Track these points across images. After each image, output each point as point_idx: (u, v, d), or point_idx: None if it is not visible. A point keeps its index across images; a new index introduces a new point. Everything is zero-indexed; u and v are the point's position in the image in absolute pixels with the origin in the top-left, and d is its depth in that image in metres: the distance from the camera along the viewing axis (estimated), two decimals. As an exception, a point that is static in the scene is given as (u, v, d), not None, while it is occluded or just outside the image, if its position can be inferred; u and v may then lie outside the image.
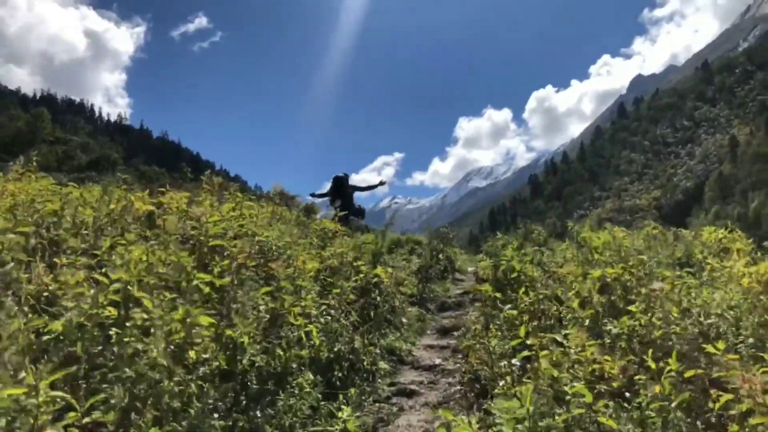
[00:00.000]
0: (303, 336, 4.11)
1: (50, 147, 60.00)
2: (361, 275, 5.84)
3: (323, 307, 4.85)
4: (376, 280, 5.91)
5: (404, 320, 6.37)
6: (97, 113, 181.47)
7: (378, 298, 5.75)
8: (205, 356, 3.41)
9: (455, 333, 6.39)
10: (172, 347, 3.31)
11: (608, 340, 4.38)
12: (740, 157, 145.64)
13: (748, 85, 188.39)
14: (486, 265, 6.76)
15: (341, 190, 13.02)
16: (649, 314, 4.21)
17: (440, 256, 8.98)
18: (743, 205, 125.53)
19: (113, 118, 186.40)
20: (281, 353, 3.75)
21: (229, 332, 3.70)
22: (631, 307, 4.29)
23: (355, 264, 6.02)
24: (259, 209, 7.07)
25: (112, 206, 6.01)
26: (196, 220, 5.50)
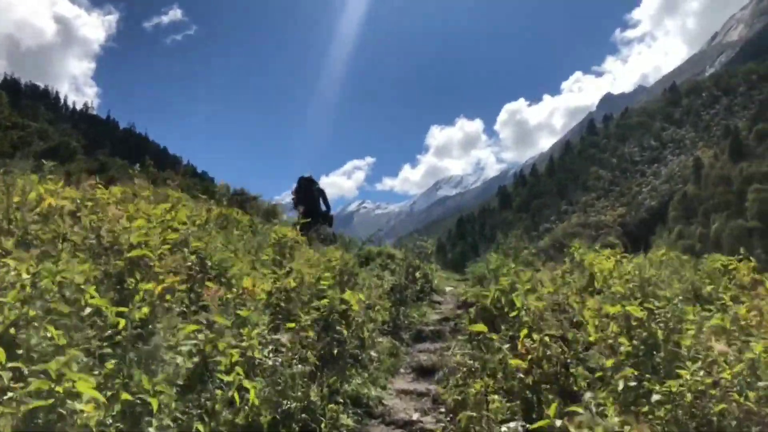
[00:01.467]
0: (236, 397, 2.94)
1: (5, 132, 57.16)
2: (325, 301, 4.69)
3: (272, 347, 3.68)
4: (343, 307, 4.77)
5: (373, 354, 5.24)
6: (62, 101, 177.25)
7: (345, 332, 4.61)
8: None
9: (435, 375, 5.28)
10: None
11: (645, 409, 3.34)
12: (704, 179, 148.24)
13: (713, 110, 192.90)
14: (476, 293, 5.69)
15: (306, 193, 11.84)
16: (705, 379, 3.17)
17: (417, 274, 7.88)
18: (705, 226, 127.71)
19: (79, 107, 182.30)
20: (200, 428, 2.57)
21: (125, 396, 2.52)
22: (683, 372, 3.23)
23: (318, 286, 4.87)
24: (205, 211, 5.86)
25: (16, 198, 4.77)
26: (113, 222, 4.27)
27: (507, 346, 4.24)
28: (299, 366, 3.95)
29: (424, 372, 5.36)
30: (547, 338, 4.05)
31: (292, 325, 4.09)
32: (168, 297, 3.70)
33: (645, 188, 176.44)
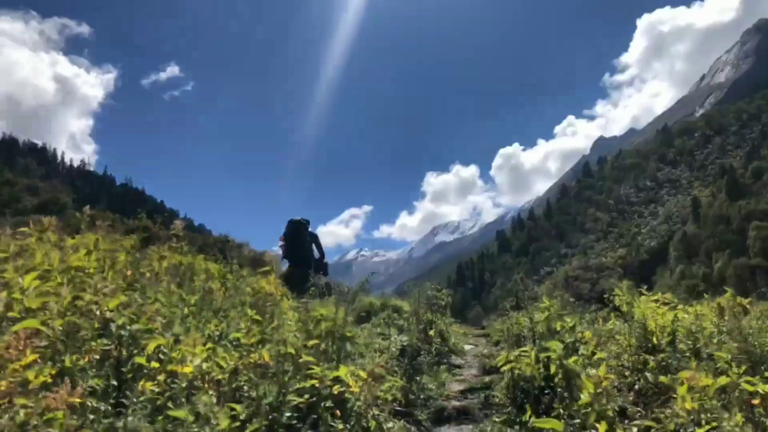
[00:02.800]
0: None
1: (-6, 188, 56.01)
2: (312, 382, 3.28)
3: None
4: (337, 389, 3.35)
5: (382, 452, 3.78)
6: (59, 158, 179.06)
7: (340, 427, 3.18)
8: None
9: (470, 479, 3.82)
10: None
11: None
12: (703, 219, 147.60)
13: (706, 149, 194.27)
14: (506, 358, 4.25)
15: (296, 239, 10.47)
16: None
17: (431, 331, 6.43)
18: (707, 266, 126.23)
19: (76, 164, 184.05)
20: None
21: None
22: None
23: (301, 359, 3.46)
24: (156, 260, 4.49)
25: None
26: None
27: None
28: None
29: (453, 474, 3.92)
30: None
31: (255, 427, 2.66)
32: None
33: (644, 229, 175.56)
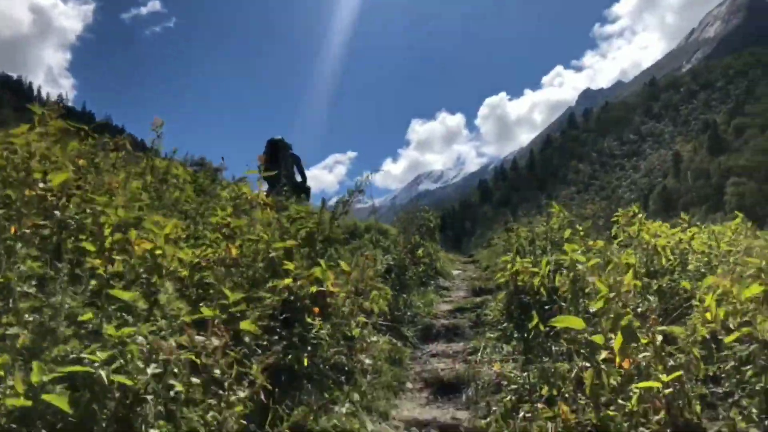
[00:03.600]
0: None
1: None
2: (287, 281, 2.85)
3: (188, 354, 1.85)
4: (315, 289, 2.93)
5: (367, 362, 3.40)
6: (35, 92, 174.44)
7: (319, 327, 2.77)
8: None
9: (462, 393, 3.46)
10: None
11: None
12: (683, 173, 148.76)
13: (691, 104, 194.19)
14: (512, 270, 3.83)
15: (277, 159, 9.90)
16: None
17: (419, 252, 6.01)
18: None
19: (53, 99, 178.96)
20: None
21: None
22: None
23: (275, 256, 3.02)
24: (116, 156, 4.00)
25: None
26: None
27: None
28: (238, 391, 2.12)
29: (444, 388, 3.53)
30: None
31: (224, 314, 2.24)
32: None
33: (624, 182, 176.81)
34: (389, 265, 5.19)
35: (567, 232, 4.25)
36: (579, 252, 3.29)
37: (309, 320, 2.73)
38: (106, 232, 2.43)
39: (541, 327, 2.99)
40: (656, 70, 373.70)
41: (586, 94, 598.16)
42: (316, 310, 2.79)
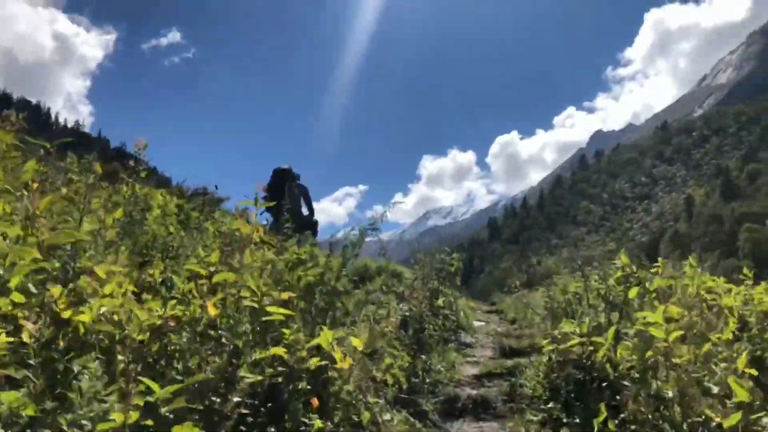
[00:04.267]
0: None
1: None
2: (278, 350, 2.12)
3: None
4: (316, 363, 2.20)
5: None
6: (53, 117, 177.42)
7: (316, 424, 2.02)
8: None
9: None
10: None
11: None
12: (695, 217, 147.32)
13: (703, 149, 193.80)
14: (572, 337, 3.06)
15: (282, 189, 9.17)
16: None
17: (439, 301, 5.21)
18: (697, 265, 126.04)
19: (71, 125, 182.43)
20: None
21: None
22: None
23: (264, 315, 2.29)
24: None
25: None
26: None
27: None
28: None
29: (477, 493, 2.77)
30: None
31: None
32: None
33: (636, 224, 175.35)
34: (405, 317, 4.43)
35: (633, 292, 3.49)
36: (657, 323, 2.53)
37: (304, 418, 1.99)
38: (14, 281, 1.70)
39: (611, 426, 2.23)
40: (668, 114, 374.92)
41: (598, 136, 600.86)
42: (315, 402, 2.05)
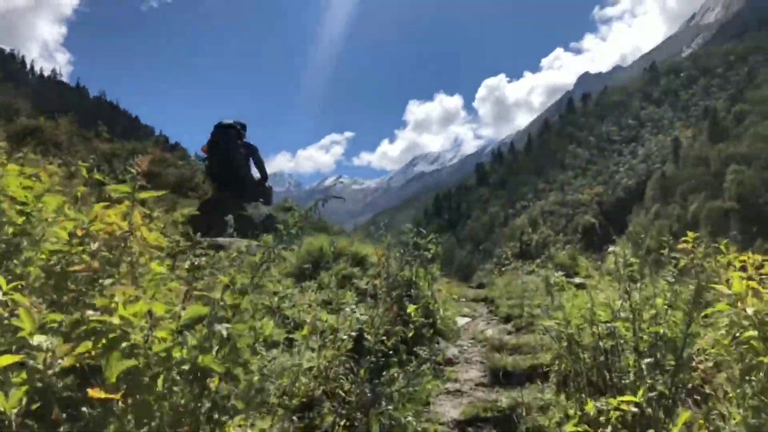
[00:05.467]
0: None
1: (-60, 92, 51.39)
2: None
3: None
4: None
5: None
6: (29, 66, 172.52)
7: None
8: None
9: None
10: None
11: None
12: (682, 159, 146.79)
13: (691, 90, 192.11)
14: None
15: (225, 150, 7.67)
16: None
17: (410, 307, 3.93)
18: (683, 207, 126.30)
19: (47, 74, 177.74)
20: None
21: None
22: None
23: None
24: None
25: None
26: None
27: None
28: None
29: None
30: None
31: None
32: None
33: (622, 167, 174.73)
34: (359, 333, 3.18)
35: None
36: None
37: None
38: None
39: None
40: (656, 54, 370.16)
41: (585, 78, 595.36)
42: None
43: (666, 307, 2.46)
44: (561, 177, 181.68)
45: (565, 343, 2.77)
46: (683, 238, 4.40)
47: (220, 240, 5.37)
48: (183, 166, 10.15)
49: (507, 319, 5.48)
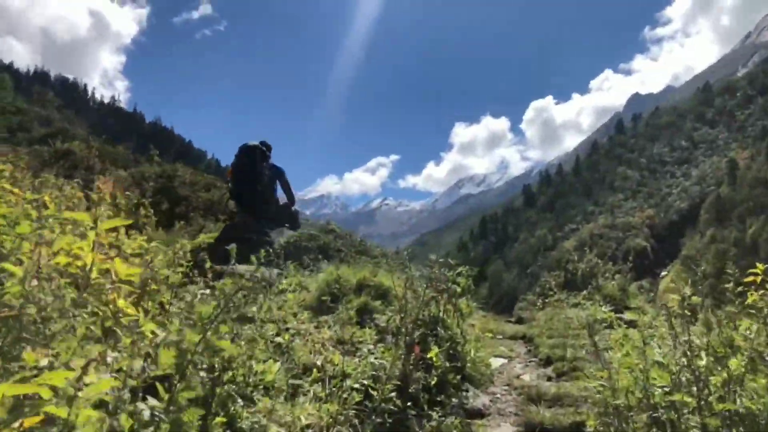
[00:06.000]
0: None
1: (4, 117, 53.83)
2: None
3: None
4: None
5: None
6: (89, 93, 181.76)
7: None
8: None
9: None
10: None
11: None
12: (739, 181, 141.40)
13: (748, 110, 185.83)
14: None
15: (249, 172, 7.38)
16: None
17: (432, 353, 3.38)
18: (740, 230, 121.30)
19: (107, 101, 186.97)
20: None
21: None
22: None
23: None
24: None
25: None
26: None
27: None
28: None
29: None
30: None
31: None
32: None
33: (675, 189, 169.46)
34: (374, 379, 2.73)
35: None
36: None
37: None
38: None
39: None
40: (710, 74, 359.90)
41: (635, 99, 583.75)
42: None
43: (743, 370, 1.95)
44: (611, 199, 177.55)
45: (612, 409, 2.28)
46: (750, 270, 3.79)
47: (240, 268, 5.05)
48: (220, 188, 10.06)
49: (547, 362, 4.87)
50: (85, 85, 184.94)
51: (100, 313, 2.28)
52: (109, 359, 1.72)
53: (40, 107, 78.13)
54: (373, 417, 2.47)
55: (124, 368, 1.86)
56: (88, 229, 2.35)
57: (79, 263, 2.39)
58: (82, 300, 2.28)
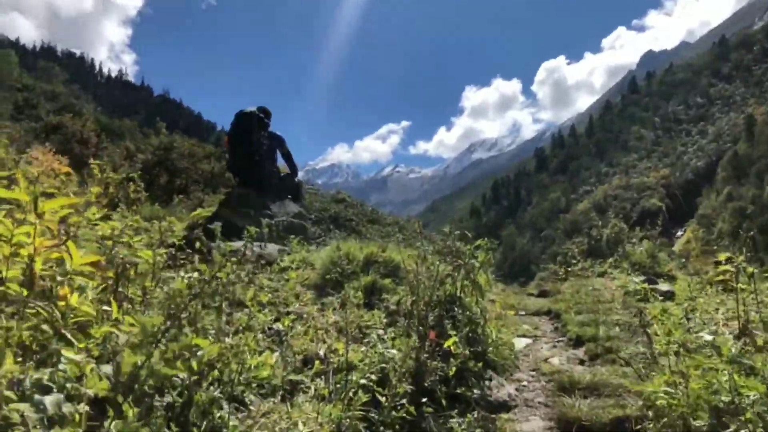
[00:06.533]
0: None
1: (10, 93, 53.49)
2: None
3: None
4: None
5: None
6: (97, 68, 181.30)
7: None
8: None
9: None
10: None
11: None
12: (756, 137, 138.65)
13: (765, 64, 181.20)
14: None
15: (247, 141, 6.90)
16: None
17: (450, 341, 2.98)
18: (758, 187, 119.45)
19: (114, 74, 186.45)
20: None
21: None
22: None
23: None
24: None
25: None
26: None
27: None
28: None
29: None
30: None
31: None
32: None
33: (691, 148, 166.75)
34: (383, 374, 2.35)
35: None
36: None
37: None
38: None
39: None
40: (725, 28, 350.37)
41: (649, 57, 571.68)
42: None
43: None
44: (625, 160, 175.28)
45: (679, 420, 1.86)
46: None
47: (237, 245, 4.66)
48: (221, 159, 9.67)
49: (577, 342, 4.41)
50: (92, 60, 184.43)
51: (45, 314, 1.88)
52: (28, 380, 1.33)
53: (46, 82, 77.83)
54: (382, 429, 2.07)
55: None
56: (27, 212, 1.93)
57: (24, 252, 1.99)
58: (22, 299, 1.88)
